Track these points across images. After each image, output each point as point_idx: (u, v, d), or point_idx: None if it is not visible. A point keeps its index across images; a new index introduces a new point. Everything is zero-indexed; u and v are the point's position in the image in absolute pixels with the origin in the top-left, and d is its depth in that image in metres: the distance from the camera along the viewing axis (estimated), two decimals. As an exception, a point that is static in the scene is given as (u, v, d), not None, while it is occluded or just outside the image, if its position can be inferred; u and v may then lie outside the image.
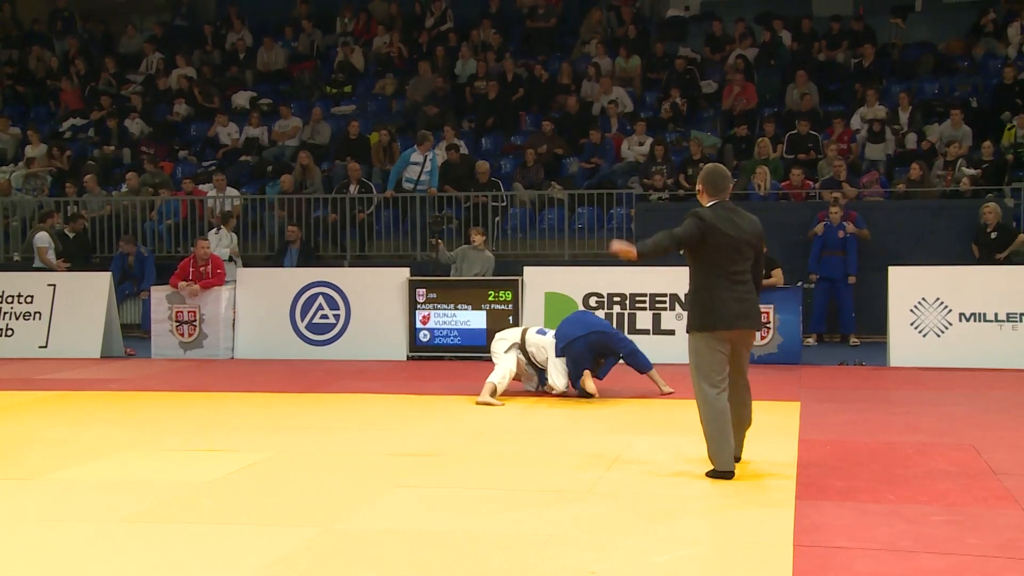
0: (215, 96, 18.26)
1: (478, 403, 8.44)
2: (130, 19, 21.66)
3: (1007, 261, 11.99)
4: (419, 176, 14.33)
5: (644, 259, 6.00)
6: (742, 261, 5.86)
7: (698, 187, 6.02)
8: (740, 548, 4.53)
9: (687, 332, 5.93)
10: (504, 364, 8.72)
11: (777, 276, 11.07)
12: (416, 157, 14.31)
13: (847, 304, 12.29)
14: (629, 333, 11.02)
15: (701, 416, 5.84)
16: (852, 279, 12.26)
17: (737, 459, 5.91)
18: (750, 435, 6.17)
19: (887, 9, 17.82)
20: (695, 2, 19.96)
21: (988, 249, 12.21)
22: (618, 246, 5.91)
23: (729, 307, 5.77)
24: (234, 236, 14.15)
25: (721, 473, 5.77)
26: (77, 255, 14.04)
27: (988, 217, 12.26)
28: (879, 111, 14.92)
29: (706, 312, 5.79)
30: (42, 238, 13.75)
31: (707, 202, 5.92)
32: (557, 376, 8.67)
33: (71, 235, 14.28)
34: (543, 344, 8.80)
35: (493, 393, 8.52)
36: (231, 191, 15.34)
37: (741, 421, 6.00)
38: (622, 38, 18.04)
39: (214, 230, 13.96)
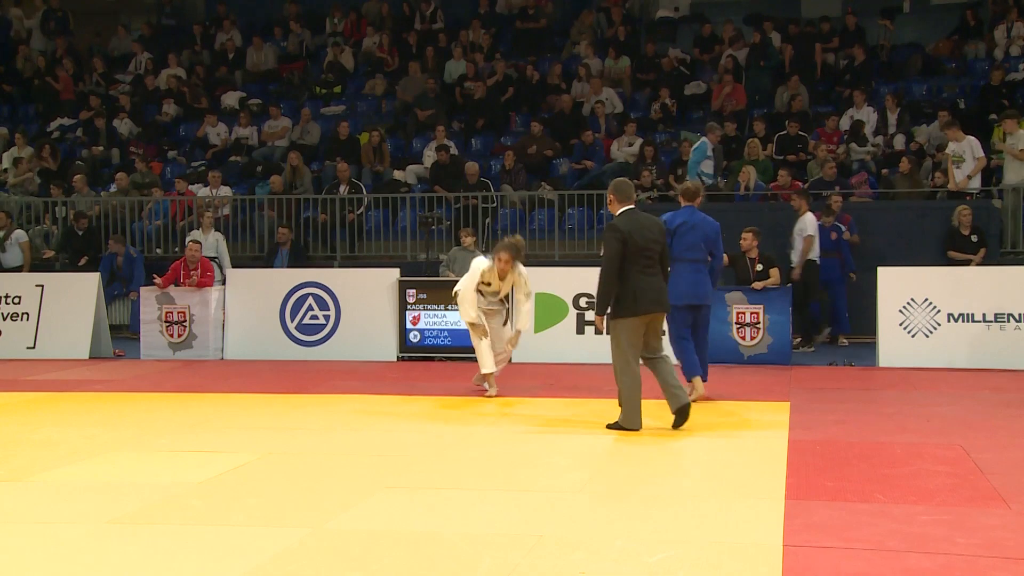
0: (204, 96, 18.21)
1: (489, 397, 8.82)
2: (119, 19, 21.60)
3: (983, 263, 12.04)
4: (713, 169, 13.81)
5: (607, 308, 7.17)
6: (652, 257, 7.21)
7: (609, 197, 7.32)
8: (730, 548, 4.54)
9: (611, 319, 7.15)
10: (483, 351, 8.86)
11: (775, 276, 11.10)
12: (710, 150, 13.66)
13: (842, 304, 12.32)
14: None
15: (625, 385, 7.12)
16: (853, 276, 12.27)
17: (689, 404, 7.22)
18: (739, 435, 6.46)
19: (875, 10, 17.90)
20: (684, 3, 20.01)
21: (967, 252, 12.23)
22: (598, 324, 7.48)
23: (647, 295, 7.12)
24: (219, 237, 14.09)
25: (630, 430, 7.11)
26: (86, 251, 14.13)
27: (963, 220, 12.30)
28: (867, 112, 14.99)
29: (629, 302, 7.08)
30: (20, 234, 14.02)
31: (618, 209, 7.25)
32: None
33: (80, 232, 14.32)
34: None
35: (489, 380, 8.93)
36: (224, 190, 15.32)
37: (672, 373, 7.26)
38: (612, 39, 18.07)
39: (198, 230, 13.93)
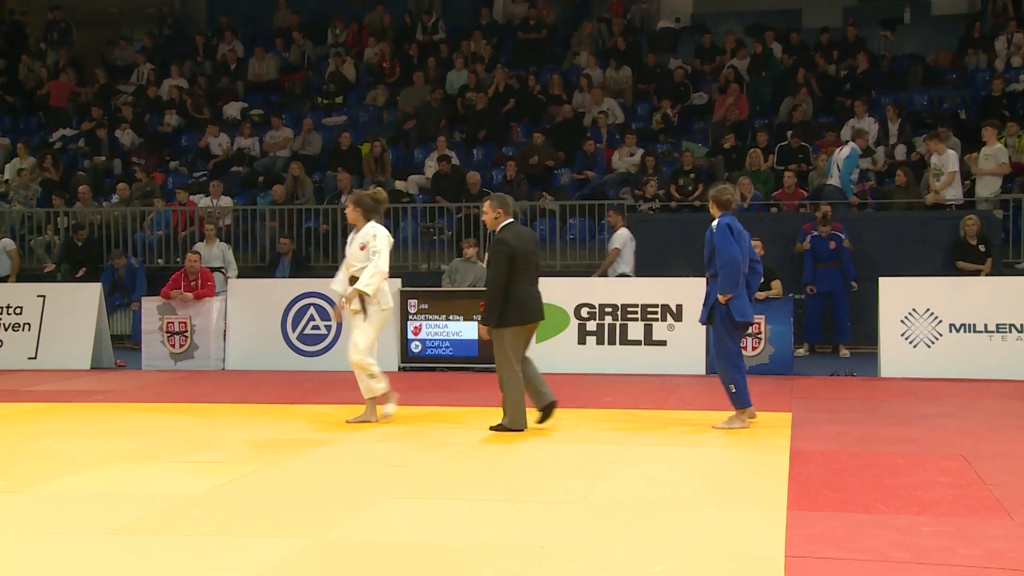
0: (206, 107, 18.25)
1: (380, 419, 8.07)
2: (121, 30, 21.67)
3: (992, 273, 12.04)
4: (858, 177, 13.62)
5: (495, 317, 7.45)
6: (532, 268, 7.62)
7: (497, 211, 7.63)
8: (732, 559, 4.53)
9: (496, 327, 7.45)
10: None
11: (776, 287, 11.11)
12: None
13: (843, 315, 12.32)
14: (621, 344, 11.07)
15: (512, 388, 7.51)
16: (855, 285, 12.26)
17: (556, 402, 7.68)
18: (740, 445, 6.47)
19: (876, 21, 17.94)
20: (686, 14, 20.06)
21: (976, 262, 12.24)
22: (484, 334, 7.65)
23: (530, 305, 7.57)
24: (225, 247, 14.10)
25: (516, 430, 7.47)
26: (85, 262, 14.16)
27: (969, 230, 12.30)
28: (869, 122, 14.99)
29: (515, 311, 7.48)
30: (8, 243, 14.16)
31: (504, 221, 7.60)
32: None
33: (79, 243, 14.34)
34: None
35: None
36: (225, 200, 15.34)
37: (538, 373, 7.72)
38: (613, 49, 18.11)
39: (203, 242, 13.94)
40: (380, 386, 8.07)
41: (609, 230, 13.32)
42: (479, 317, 8.87)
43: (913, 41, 18.26)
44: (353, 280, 8.04)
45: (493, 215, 7.66)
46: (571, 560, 4.51)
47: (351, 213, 8.21)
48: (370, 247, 7.97)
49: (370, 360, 8.00)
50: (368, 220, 8.12)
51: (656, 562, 4.46)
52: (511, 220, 7.65)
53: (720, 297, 7.52)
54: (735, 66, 16.86)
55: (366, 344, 7.99)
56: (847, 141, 13.95)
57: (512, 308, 7.50)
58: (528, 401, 7.68)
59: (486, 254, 8.26)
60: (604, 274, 12.75)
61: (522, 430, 7.53)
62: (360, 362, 7.98)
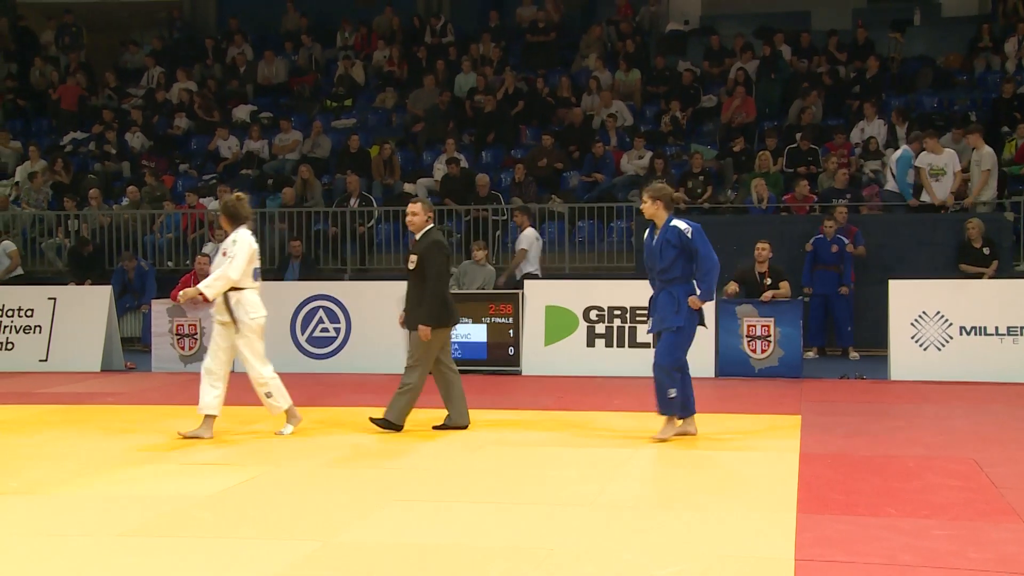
0: (215, 110, 18.30)
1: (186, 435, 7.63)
2: (131, 34, 21.74)
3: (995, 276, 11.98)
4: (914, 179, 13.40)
5: (435, 318, 7.61)
6: (450, 272, 7.96)
7: (428, 214, 7.83)
8: (741, 562, 4.52)
9: (424, 327, 7.54)
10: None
11: (785, 288, 11.09)
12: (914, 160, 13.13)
13: (843, 317, 12.27)
14: (629, 347, 11.09)
15: (414, 389, 7.68)
16: (844, 290, 12.21)
17: (463, 427, 7.84)
18: (750, 448, 6.49)
19: (886, 23, 17.88)
20: (694, 16, 20.04)
21: (980, 264, 12.18)
22: (423, 333, 7.60)
23: (453, 308, 7.86)
24: None
25: (396, 428, 7.70)
26: (91, 272, 14.20)
27: (972, 232, 12.25)
28: (878, 125, 14.95)
29: (443, 312, 7.67)
30: (8, 245, 14.24)
31: (427, 225, 7.78)
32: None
33: (86, 255, 14.38)
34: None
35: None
36: None
37: (459, 387, 7.91)
38: (622, 52, 18.10)
39: (210, 243, 13.98)
40: (278, 405, 7.71)
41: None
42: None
43: (923, 43, 18.19)
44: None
45: (424, 217, 7.77)
46: (580, 563, 4.51)
47: (221, 221, 8.02)
48: (228, 253, 7.59)
49: (266, 376, 7.66)
50: (236, 227, 7.69)
51: (665, 564, 4.46)
52: (434, 225, 7.93)
53: (698, 303, 7.19)
54: (744, 68, 16.83)
55: (257, 359, 7.68)
56: (899, 146, 13.79)
57: (444, 310, 7.71)
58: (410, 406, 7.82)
59: (412, 256, 7.84)
60: (512, 275, 12.83)
61: (400, 429, 7.71)
62: (256, 379, 7.70)
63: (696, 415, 7.48)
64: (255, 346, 7.71)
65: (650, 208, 7.44)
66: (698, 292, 7.21)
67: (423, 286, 7.66)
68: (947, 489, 5.83)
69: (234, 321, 7.61)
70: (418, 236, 7.84)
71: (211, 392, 7.61)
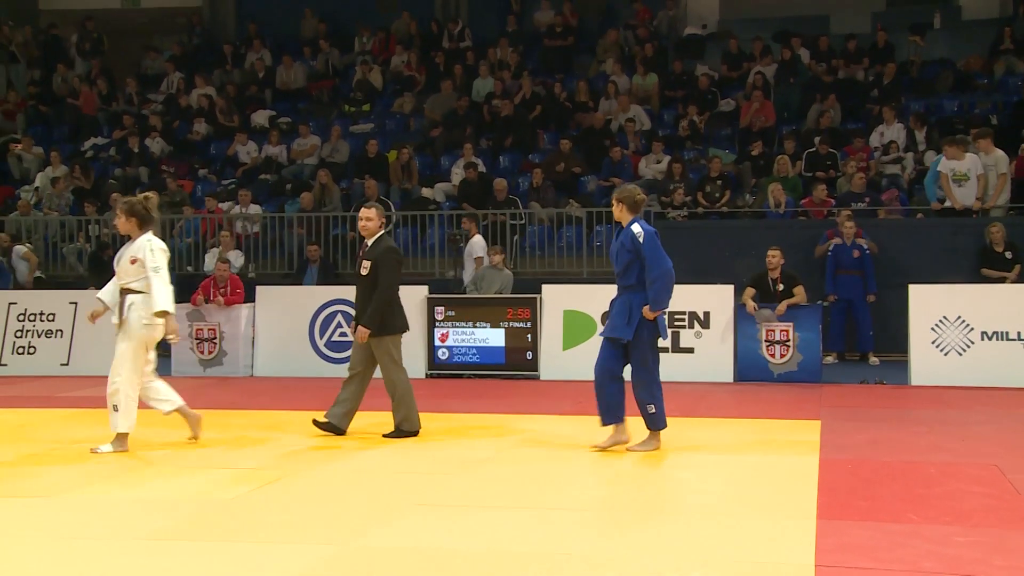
0: (235, 115, 18.40)
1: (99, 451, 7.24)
2: (151, 40, 21.89)
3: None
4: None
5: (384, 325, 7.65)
6: (400, 277, 7.92)
7: (382, 219, 7.86)
8: (760, 568, 4.49)
9: (378, 335, 7.61)
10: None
11: (800, 294, 11.03)
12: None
13: (865, 323, 12.19)
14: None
15: (402, 391, 7.70)
16: (871, 298, 12.14)
17: (341, 432, 7.74)
18: (769, 453, 6.49)
19: (905, 26, 17.79)
20: (712, 20, 20.00)
21: (1002, 269, 12.08)
22: (360, 335, 7.65)
23: (403, 315, 7.86)
24: (236, 254, 14.22)
25: (412, 433, 7.70)
26: (112, 276, 14.34)
27: (995, 237, 12.15)
28: (897, 129, 14.87)
29: (398, 318, 7.77)
30: (20, 249, 14.48)
31: (380, 231, 7.82)
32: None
33: (106, 259, 14.53)
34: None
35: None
36: (254, 208, 15.45)
37: (358, 400, 7.84)
38: (639, 56, 18.09)
39: (216, 248, 14.06)
40: (118, 423, 7.23)
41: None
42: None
43: (943, 46, 18.09)
44: (125, 293, 7.43)
45: (379, 222, 7.79)
46: (598, 569, 4.50)
47: (123, 224, 7.43)
48: (147, 263, 7.21)
49: (122, 387, 7.29)
50: (144, 231, 7.35)
51: (684, 570, 4.44)
52: (388, 230, 7.87)
53: (649, 313, 6.88)
54: (762, 72, 16.79)
55: (129, 365, 7.36)
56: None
57: (398, 316, 7.77)
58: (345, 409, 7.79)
59: (365, 262, 7.80)
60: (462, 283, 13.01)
61: (416, 433, 7.69)
62: (112, 385, 7.34)
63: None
64: (137, 352, 7.33)
65: (615, 210, 7.25)
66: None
67: (373, 292, 7.66)
68: (970, 495, 5.78)
69: (123, 321, 7.34)
70: (370, 242, 7.77)
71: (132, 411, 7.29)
